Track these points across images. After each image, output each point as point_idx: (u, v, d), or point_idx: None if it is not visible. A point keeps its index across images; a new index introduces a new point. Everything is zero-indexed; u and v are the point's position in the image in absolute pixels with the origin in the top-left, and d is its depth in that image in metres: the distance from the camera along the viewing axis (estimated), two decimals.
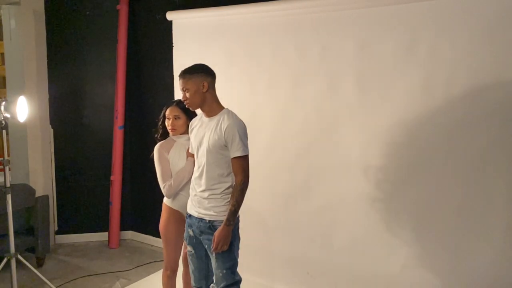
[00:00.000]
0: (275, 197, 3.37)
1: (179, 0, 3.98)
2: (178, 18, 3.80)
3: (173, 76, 3.86)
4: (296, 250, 3.33)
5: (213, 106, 2.40)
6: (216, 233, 2.31)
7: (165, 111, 2.78)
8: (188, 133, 2.66)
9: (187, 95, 2.37)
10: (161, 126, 2.82)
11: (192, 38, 3.71)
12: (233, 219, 2.31)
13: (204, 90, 2.35)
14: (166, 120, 2.76)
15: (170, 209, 2.74)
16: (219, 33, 3.55)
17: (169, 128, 2.74)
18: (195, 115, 2.64)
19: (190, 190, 2.52)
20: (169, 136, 2.79)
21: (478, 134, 2.61)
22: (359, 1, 2.91)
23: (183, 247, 2.89)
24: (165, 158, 2.70)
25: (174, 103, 2.77)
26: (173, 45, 3.86)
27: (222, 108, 2.42)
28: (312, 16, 3.10)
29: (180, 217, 2.73)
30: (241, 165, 2.31)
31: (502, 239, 2.58)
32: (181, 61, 3.77)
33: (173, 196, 2.70)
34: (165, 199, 2.77)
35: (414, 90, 2.78)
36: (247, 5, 3.35)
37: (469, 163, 2.65)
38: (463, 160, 2.67)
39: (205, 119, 2.44)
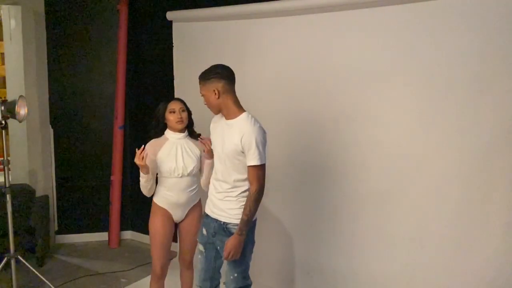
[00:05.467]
0: (275, 197, 3.36)
1: (179, 0, 3.98)
2: (178, 18, 3.80)
3: (173, 76, 3.86)
4: (296, 250, 3.33)
5: (231, 110, 2.31)
6: (228, 242, 2.27)
7: (165, 106, 2.70)
8: (182, 132, 2.70)
9: (204, 101, 2.34)
10: (156, 123, 2.74)
11: (192, 38, 3.71)
12: (245, 228, 2.27)
13: (217, 97, 2.27)
14: (170, 114, 2.67)
15: (156, 205, 2.75)
16: (219, 32, 3.55)
17: (176, 120, 2.65)
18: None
19: (209, 191, 2.49)
20: (163, 133, 2.73)
21: (478, 134, 2.61)
22: (359, 1, 2.91)
23: (179, 248, 2.88)
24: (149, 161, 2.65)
25: (174, 99, 2.79)
26: (173, 45, 3.86)
27: (241, 111, 2.31)
28: (312, 16, 3.10)
29: (167, 215, 2.71)
30: (256, 174, 2.25)
31: (502, 239, 2.58)
32: (181, 61, 3.77)
33: (152, 193, 2.76)
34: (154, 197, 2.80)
35: (414, 90, 2.78)
36: (247, 5, 3.35)
37: (469, 162, 2.65)
38: (463, 160, 2.67)
39: (225, 120, 2.36)
